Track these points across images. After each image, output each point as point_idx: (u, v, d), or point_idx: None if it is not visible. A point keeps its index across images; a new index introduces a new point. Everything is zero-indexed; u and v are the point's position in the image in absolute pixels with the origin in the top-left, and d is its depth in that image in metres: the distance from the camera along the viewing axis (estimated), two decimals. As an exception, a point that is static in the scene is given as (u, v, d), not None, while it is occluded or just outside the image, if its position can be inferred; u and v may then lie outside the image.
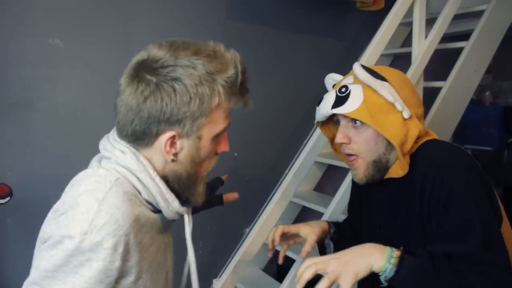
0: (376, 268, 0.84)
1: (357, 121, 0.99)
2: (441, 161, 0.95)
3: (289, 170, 2.24)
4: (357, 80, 1.00)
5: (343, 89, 0.99)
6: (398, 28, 2.04)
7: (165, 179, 0.80)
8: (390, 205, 1.05)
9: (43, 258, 0.71)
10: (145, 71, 0.73)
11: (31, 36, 1.68)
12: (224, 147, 0.85)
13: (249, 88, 0.82)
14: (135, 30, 1.89)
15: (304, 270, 0.85)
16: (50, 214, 0.75)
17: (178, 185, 0.80)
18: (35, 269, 0.72)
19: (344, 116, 1.00)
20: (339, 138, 1.01)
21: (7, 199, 1.68)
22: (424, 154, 0.99)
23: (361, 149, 1.00)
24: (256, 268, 2.26)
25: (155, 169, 0.78)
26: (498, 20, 2.22)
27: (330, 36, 2.51)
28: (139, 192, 0.78)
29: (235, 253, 2.16)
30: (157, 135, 0.75)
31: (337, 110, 0.98)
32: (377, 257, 0.84)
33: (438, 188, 0.91)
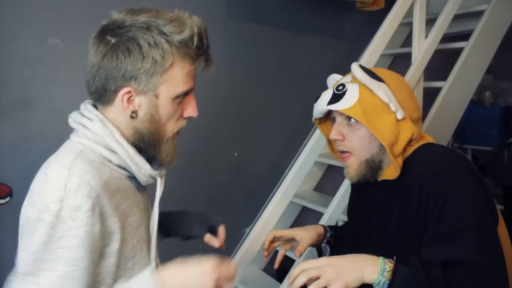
0: (369, 281, 0.85)
1: (351, 119, 1.00)
2: (437, 164, 0.95)
3: (289, 170, 2.24)
4: (354, 80, 1.01)
5: (340, 87, 1.01)
6: (398, 28, 2.04)
7: (133, 142, 0.83)
8: (386, 208, 1.05)
9: (27, 244, 0.73)
10: (106, 32, 0.79)
11: (31, 36, 1.68)
12: (191, 111, 0.86)
13: (210, 52, 0.85)
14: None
15: (298, 274, 0.87)
16: (25, 199, 0.77)
17: (142, 143, 0.84)
18: (22, 259, 0.74)
19: (340, 113, 1.02)
20: (333, 135, 1.03)
21: (7, 199, 1.68)
22: (419, 157, 1.00)
23: (355, 147, 1.01)
24: (256, 268, 2.26)
25: (122, 133, 0.82)
26: (498, 20, 2.22)
27: (330, 36, 2.51)
28: (110, 161, 0.81)
29: (235, 253, 2.16)
30: (116, 91, 0.79)
31: (332, 107, 1.00)
32: (370, 270, 0.85)
33: (435, 192, 0.91)
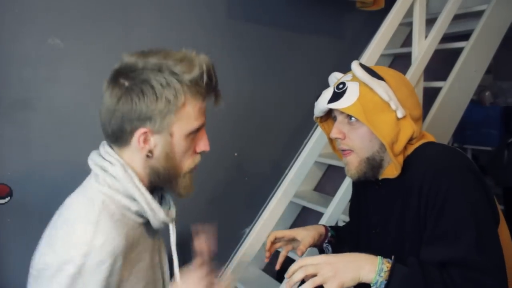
0: (366, 280, 0.85)
1: (352, 118, 1.00)
2: (437, 163, 0.95)
3: (289, 170, 2.24)
4: (355, 78, 1.01)
5: (341, 86, 1.01)
6: (398, 28, 2.04)
7: (149, 181, 0.86)
8: (386, 206, 1.05)
9: None
10: (119, 76, 0.82)
11: (31, 36, 1.68)
12: (203, 146, 0.90)
13: (218, 88, 0.89)
14: (135, 30, 1.89)
15: (296, 270, 0.87)
16: (43, 242, 0.79)
17: (159, 179, 0.86)
18: None
19: (340, 112, 1.02)
20: (334, 133, 1.03)
21: (7, 199, 1.68)
22: (420, 156, 1.00)
23: (355, 145, 1.01)
24: (256, 268, 2.26)
25: (138, 174, 0.85)
26: (498, 20, 2.22)
27: (330, 36, 2.51)
28: (128, 208, 0.83)
29: (235, 253, 2.16)
30: (132, 132, 0.82)
31: (332, 105, 1.00)
32: (367, 270, 0.85)
33: (435, 191, 0.91)
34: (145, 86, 0.79)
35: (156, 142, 0.83)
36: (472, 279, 0.83)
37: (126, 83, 0.80)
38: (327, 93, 1.03)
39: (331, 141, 1.17)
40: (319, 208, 2.12)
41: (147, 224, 0.89)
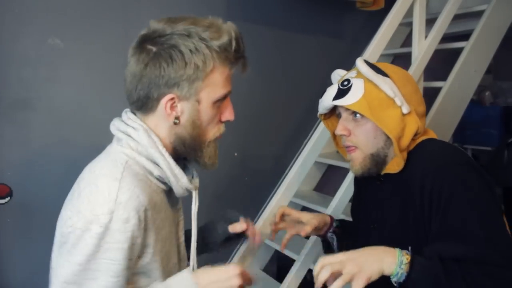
0: (387, 273, 0.85)
1: (357, 114, 1.01)
2: (440, 158, 0.96)
3: (289, 170, 2.24)
4: (359, 75, 1.02)
5: (345, 82, 1.01)
6: (398, 28, 2.04)
7: (173, 149, 0.85)
8: (387, 202, 1.06)
9: (72, 253, 0.73)
10: (146, 42, 0.81)
11: (31, 36, 1.68)
12: (228, 115, 0.88)
13: (246, 56, 0.87)
14: (135, 30, 1.87)
15: (319, 270, 0.86)
16: (67, 204, 0.78)
17: (184, 148, 0.85)
18: (65, 267, 0.73)
19: (345, 109, 1.02)
20: (339, 130, 1.03)
21: (7, 199, 1.68)
22: (422, 151, 1.00)
23: (360, 141, 1.02)
24: (256, 268, 2.26)
25: (162, 140, 0.83)
26: (498, 20, 2.22)
27: (330, 36, 2.51)
28: (150, 172, 0.82)
29: (235, 253, 2.16)
30: (158, 99, 0.80)
31: (337, 102, 1.00)
32: (388, 262, 0.85)
33: (438, 187, 0.91)
34: (174, 51, 0.77)
35: (183, 108, 0.81)
36: (490, 274, 0.83)
37: (154, 49, 0.79)
38: (332, 90, 1.04)
39: (335, 138, 1.18)
40: (319, 208, 2.12)
41: (169, 192, 0.88)
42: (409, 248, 0.88)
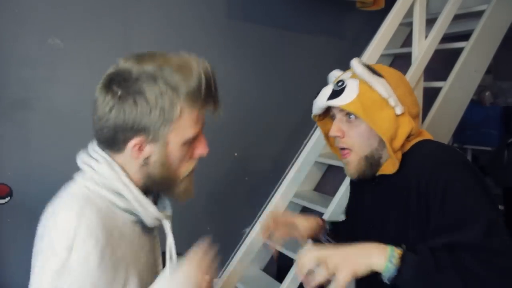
0: (376, 268, 0.84)
1: (351, 116, 1.01)
2: (435, 158, 0.96)
3: (289, 170, 2.24)
4: (354, 75, 1.02)
5: (340, 83, 1.01)
6: (398, 28, 2.04)
7: (143, 184, 0.84)
8: (383, 202, 1.05)
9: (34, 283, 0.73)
10: (112, 83, 0.78)
11: (31, 36, 1.68)
12: (201, 151, 0.86)
13: (218, 97, 0.84)
14: (135, 30, 1.89)
15: (304, 261, 0.85)
16: (37, 241, 0.77)
17: (156, 185, 0.84)
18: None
19: (340, 110, 1.02)
20: (333, 131, 1.03)
21: (7, 199, 1.68)
22: (417, 152, 1.00)
23: (354, 143, 1.02)
24: (256, 268, 2.26)
25: (130, 176, 0.82)
26: (498, 20, 2.22)
27: (330, 36, 2.51)
28: (115, 205, 0.80)
29: (235, 253, 2.16)
30: (125, 141, 0.79)
31: (331, 102, 1.00)
32: (378, 258, 0.84)
33: (434, 184, 0.91)
34: (139, 97, 0.75)
35: (152, 150, 0.80)
36: (483, 260, 0.82)
37: (119, 92, 0.77)
38: (326, 90, 1.04)
39: (328, 139, 1.17)
40: (319, 208, 2.12)
41: (141, 222, 0.86)
42: (404, 246, 0.87)
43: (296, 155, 2.31)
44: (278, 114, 2.36)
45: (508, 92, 3.41)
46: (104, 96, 0.78)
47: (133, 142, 0.78)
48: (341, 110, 1.01)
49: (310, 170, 2.20)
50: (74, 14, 1.75)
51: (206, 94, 0.80)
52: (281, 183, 2.23)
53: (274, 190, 2.26)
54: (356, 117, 0.99)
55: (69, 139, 1.76)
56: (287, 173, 2.24)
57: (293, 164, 2.25)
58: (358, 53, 2.39)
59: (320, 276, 0.82)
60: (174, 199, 0.90)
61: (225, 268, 2.11)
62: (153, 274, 0.91)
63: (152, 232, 0.94)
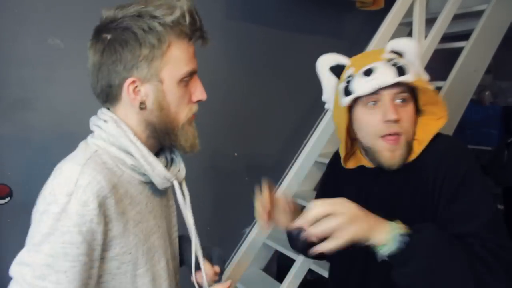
0: (376, 241, 0.81)
1: (402, 98, 0.96)
2: (454, 150, 0.97)
3: (289, 170, 2.25)
4: (398, 57, 0.99)
5: (395, 61, 0.96)
6: (398, 28, 2.04)
7: (147, 139, 0.84)
8: (399, 190, 1.01)
9: (31, 236, 0.73)
10: (101, 31, 0.81)
11: (31, 36, 1.68)
12: (200, 95, 0.86)
13: (204, 30, 0.84)
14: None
15: (315, 211, 0.81)
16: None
17: (157, 133, 0.84)
18: (24, 249, 0.75)
19: (396, 92, 0.95)
20: (392, 114, 0.93)
21: (7, 199, 1.68)
22: (437, 141, 0.99)
23: (406, 127, 0.97)
24: (256, 268, 2.26)
25: (134, 130, 0.83)
26: (498, 20, 2.22)
27: (330, 36, 2.51)
28: (123, 162, 0.81)
29: (235, 253, 2.16)
30: (120, 85, 0.80)
31: (404, 78, 0.93)
32: (379, 231, 0.81)
33: (454, 171, 0.91)
34: (127, 34, 0.77)
35: (147, 91, 0.80)
36: (491, 250, 0.82)
37: (109, 36, 0.79)
38: (383, 69, 0.94)
39: (347, 131, 1.06)
40: (319, 208, 2.11)
41: (151, 184, 0.86)
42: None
43: (296, 155, 2.31)
44: (278, 114, 2.36)
45: (508, 92, 3.41)
46: (95, 46, 0.81)
47: (128, 82, 0.79)
48: (399, 92, 0.95)
49: (310, 170, 2.20)
50: (74, 14, 1.75)
51: (191, 24, 0.80)
52: (281, 183, 2.23)
53: (274, 190, 2.25)
54: (406, 100, 0.96)
55: (69, 139, 1.76)
56: (287, 173, 2.24)
57: (293, 164, 2.25)
58: (358, 52, 2.39)
59: (321, 228, 0.79)
60: (180, 152, 0.90)
61: (225, 268, 2.11)
62: (165, 240, 0.91)
63: (165, 197, 0.94)
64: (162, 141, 0.85)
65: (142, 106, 0.81)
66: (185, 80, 0.82)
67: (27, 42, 1.68)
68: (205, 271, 0.96)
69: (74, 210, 0.71)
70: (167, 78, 0.80)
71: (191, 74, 0.83)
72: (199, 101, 0.86)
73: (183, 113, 0.84)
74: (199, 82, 0.86)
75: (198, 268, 0.96)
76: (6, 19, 1.63)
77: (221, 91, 2.11)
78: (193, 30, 0.82)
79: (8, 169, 1.68)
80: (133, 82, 0.79)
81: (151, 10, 0.78)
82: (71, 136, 1.76)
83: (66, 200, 0.71)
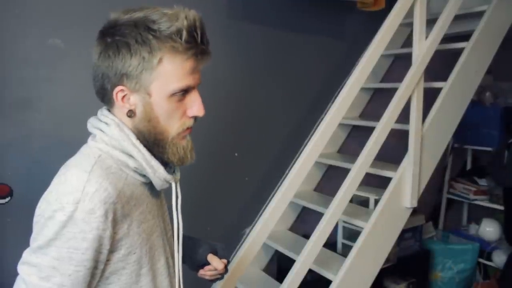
0: None
1: None
2: None
3: (289, 170, 2.24)
4: None
5: None
6: (398, 28, 2.03)
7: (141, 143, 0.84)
8: None
9: (36, 239, 0.74)
10: (104, 33, 0.82)
11: (31, 36, 1.68)
12: (196, 111, 0.84)
13: (205, 47, 0.81)
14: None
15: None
16: (40, 200, 0.78)
17: (147, 142, 0.83)
18: (28, 250, 0.76)
19: None
20: None
21: (7, 199, 1.68)
22: None
23: None
24: (256, 268, 2.26)
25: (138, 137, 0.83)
26: (498, 21, 2.22)
27: (330, 36, 2.51)
28: (126, 165, 0.82)
29: (235, 253, 2.16)
30: (111, 90, 0.81)
31: None
32: None
33: None
34: (121, 42, 0.77)
35: (136, 101, 0.80)
36: None
37: (108, 40, 0.79)
38: None
39: None
40: (319, 208, 2.12)
41: (151, 185, 0.87)
42: None
43: (296, 155, 2.31)
44: (278, 114, 2.36)
45: (508, 93, 3.41)
46: (96, 47, 0.83)
47: (117, 89, 0.80)
48: None
49: (310, 170, 2.19)
50: (74, 15, 1.75)
51: (188, 43, 0.77)
52: (281, 183, 2.23)
53: (274, 190, 2.26)
54: None
55: (69, 139, 1.76)
56: (287, 173, 2.24)
57: (293, 164, 2.24)
58: (358, 53, 2.40)
59: None
60: (170, 164, 0.89)
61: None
62: (163, 238, 0.92)
63: (159, 198, 0.95)
64: (151, 150, 0.84)
65: (130, 114, 0.81)
66: (177, 95, 0.81)
67: (28, 43, 1.68)
68: (215, 266, 1.03)
69: (80, 217, 0.72)
70: (155, 92, 0.79)
71: (187, 90, 0.82)
72: (196, 117, 0.85)
73: (173, 127, 0.83)
74: (198, 97, 0.84)
75: (204, 264, 1.02)
76: (7, 20, 1.64)
77: (221, 91, 2.11)
78: (188, 48, 0.78)
79: (9, 168, 1.68)
80: (122, 90, 0.80)
81: (150, 20, 0.77)
82: (71, 136, 1.76)
83: (73, 208, 0.72)
